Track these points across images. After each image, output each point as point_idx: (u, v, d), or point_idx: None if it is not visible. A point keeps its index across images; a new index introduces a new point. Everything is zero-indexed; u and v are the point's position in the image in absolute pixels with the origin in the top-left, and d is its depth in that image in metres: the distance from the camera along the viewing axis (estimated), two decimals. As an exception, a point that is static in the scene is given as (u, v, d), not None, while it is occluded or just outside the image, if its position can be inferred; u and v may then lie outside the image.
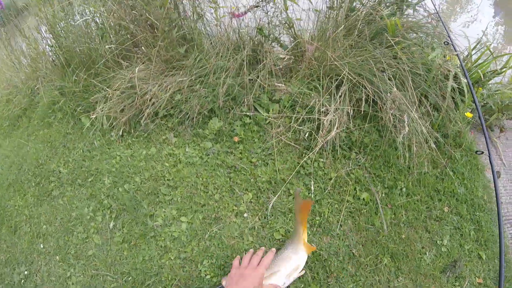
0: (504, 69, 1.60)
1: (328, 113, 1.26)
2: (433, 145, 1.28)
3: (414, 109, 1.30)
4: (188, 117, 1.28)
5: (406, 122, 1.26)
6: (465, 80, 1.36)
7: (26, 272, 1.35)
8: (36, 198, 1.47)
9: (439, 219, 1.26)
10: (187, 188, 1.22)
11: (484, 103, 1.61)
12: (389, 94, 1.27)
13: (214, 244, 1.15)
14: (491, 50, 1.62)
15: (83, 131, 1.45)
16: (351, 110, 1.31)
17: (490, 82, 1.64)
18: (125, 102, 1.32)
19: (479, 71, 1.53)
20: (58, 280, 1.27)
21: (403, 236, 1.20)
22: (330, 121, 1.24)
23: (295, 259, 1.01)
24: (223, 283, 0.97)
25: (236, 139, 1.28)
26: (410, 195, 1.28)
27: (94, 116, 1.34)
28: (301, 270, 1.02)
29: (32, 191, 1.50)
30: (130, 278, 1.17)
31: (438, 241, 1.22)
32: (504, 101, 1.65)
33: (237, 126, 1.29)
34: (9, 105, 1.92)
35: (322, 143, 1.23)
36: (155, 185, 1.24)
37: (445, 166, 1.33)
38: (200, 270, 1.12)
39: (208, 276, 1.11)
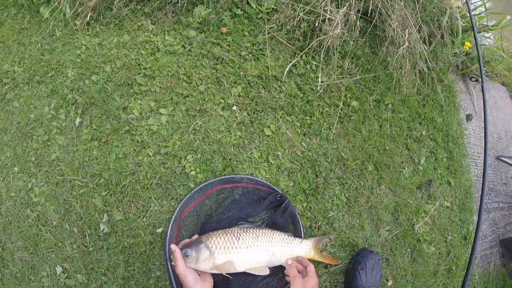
0: (495, 28, 1.66)
1: (331, 16, 1.13)
2: (423, 67, 1.27)
3: (415, 30, 1.24)
4: (170, 1, 1.09)
5: (407, 37, 1.18)
6: (462, 22, 1.38)
7: (-20, 193, 1.16)
8: (-13, 107, 1.25)
9: (418, 141, 1.32)
10: (167, 78, 1.06)
11: (468, 52, 1.62)
12: (397, 5, 1.18)
13: (199, 138, 1.02)
14: (486, 6, 1.64)
15: (41, 23, 1.22)
16: (354, 16, 1.19)
17: (479, 33, 1.67)
18: (91, -16, 1.10)
19: (476, 18, 1.52)
20: (18, 195, 1.09)
21: (386, 147, 1.23)
22: (338, 22, 1.10)
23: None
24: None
25: (224, 30, 1.11)
26: (396, 112, 1.30)
27: (53, -1, 1.11)
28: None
29: (-19, 100, 1.27)
30: (102, 180, 1.02)
31: (416, 160, 1.30)
32: (486, 57, 1.76)
33: (226, 16, 1.12)
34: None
35: (330, 38, 1.10)
36: (129, 75, 1.06)
37: (427, 94, 1.39)
38: (184, 166, 0.99)
39: (193, 172, 0.99)
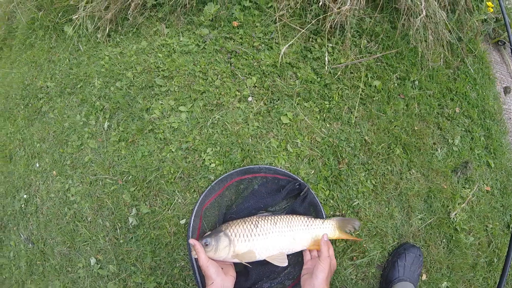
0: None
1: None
2: (448, 38, 1.15)
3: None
4: (180, 3, 1.14)
5: (423, 5, 1.11)
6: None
7: (25, 196, 1.28)
8: (27, 120, 1.38)
9: (451, 119, 1.21)
10: (184, 77, 1.10)
11: (499, 18, 1.45)
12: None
13: (217, 131, 1.04)
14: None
15: (67, 41, 1.33)
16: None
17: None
18: (109, -3, 1.18)
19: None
20: (57, 196, 1.19)
21: (415, 128, 1.15)
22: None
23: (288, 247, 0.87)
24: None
25: (235, 23, 1.14)
26: (423, 89, 1.20)
27: (76, 17, 1.21)
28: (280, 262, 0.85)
29: (22, 114, 1.41)
30: (130, 177, 1.08)
31: (449, 140, 1.19)
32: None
33: (236, 10, 1.15)
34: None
35: (337, 16, 1.06)
36: (149, 78, 1.12)
37: (457, 67, 1.27)
38: (204, 159, 1.02)
39: (213, 165, 1.02)
